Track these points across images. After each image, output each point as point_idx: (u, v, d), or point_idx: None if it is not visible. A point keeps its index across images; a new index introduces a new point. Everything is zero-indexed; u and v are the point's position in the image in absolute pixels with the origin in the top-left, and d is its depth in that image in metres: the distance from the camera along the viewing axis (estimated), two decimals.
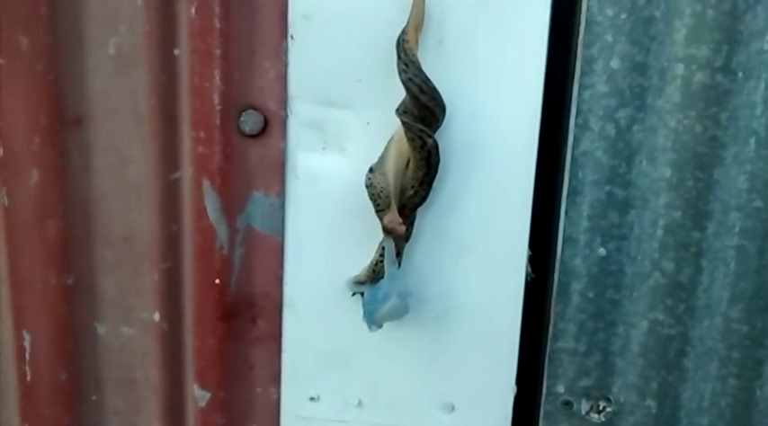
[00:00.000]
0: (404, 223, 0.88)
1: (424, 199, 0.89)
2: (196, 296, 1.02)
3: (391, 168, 0.87)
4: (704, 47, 0.88)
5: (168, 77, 0.96)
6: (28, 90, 0.97)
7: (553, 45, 0.91)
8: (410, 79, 0.84)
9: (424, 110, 0.85)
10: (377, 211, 0.89)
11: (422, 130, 0.84)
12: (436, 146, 0.86)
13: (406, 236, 0.91)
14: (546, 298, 1.00)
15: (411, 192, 0.88)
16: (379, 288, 0.92)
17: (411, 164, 0.86)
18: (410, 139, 0.85)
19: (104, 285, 1.04)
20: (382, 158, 0.89)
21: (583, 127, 0.92)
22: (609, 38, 0.89)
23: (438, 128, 0.87)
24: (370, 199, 0.89)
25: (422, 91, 0.84)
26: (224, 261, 1.00)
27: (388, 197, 0.88)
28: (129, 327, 1.06)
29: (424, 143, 0.85)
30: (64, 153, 0.99)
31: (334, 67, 0.92)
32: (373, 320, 0.92)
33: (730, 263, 0.95)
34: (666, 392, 1.00)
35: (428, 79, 0.84)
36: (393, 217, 0.88)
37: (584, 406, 1.01)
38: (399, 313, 0.93)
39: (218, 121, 0.95)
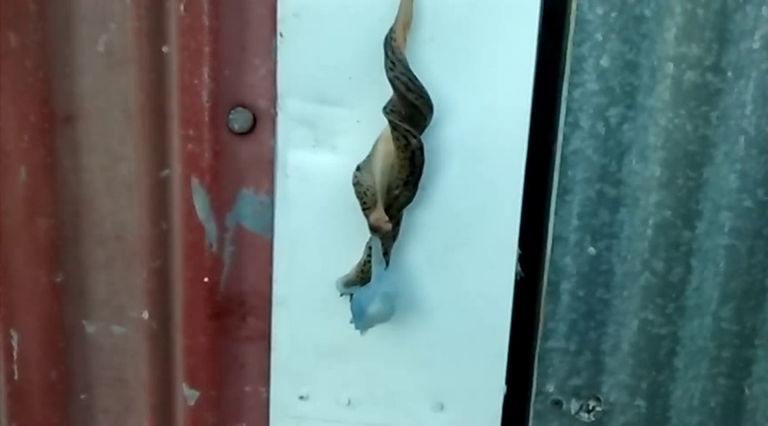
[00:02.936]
0: (390, 222, 0.88)
1: (409, 198, 0.89)
2: (186, 294, 1.01)
3: (378, 167, 0.87)
4: (694, 45, 0.88)
5: (157, 75, 0.96)
6: (17, 87, 0.96)
7: (543, 43, 0.91)
8: (397, 77, 0.84)
9: (411, 109, 0.85)
10: (363, 209, 0.89)
11: (407, 130, 0.84)
12: (421, 147, 0.85)
13: (393, 235, 0.91)
14: (536, 298, 1.00)
15: (396, 192, 0.87)
16: (365, 292, 0.92)
17: (395, 164, 0.86)
18: (395, 138, 0.85)
19: (94, 283, 1.04)
20: (370, 156, 0.88)
21: (573, 125, 0.92)
22: (599, 36, 0.89)
23: (426, 127, 0.87)
24: (357, 197, 0.88)
25: (408, 89, 0.84)
26: (213, 260, 1.00)
27: (374, 195, 0.88)
28: (118, 326, 1.05)
29: (408, 143, 0.85)
30: (53, 151, 0.99)
31: (325, 65, 0.92)
32: (360, 324, 0.92)
33: (720, 263, 0.94)
34: (656, 391, 1.00)
35: (415, 77, 0.84)
36: (379, 215, 0.88)
37: (574, 406, 1.01)
38: (385, 316, 0.92)
39: (207, 119, 0.95)
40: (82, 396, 1.09)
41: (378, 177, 0.88)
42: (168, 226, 1.01)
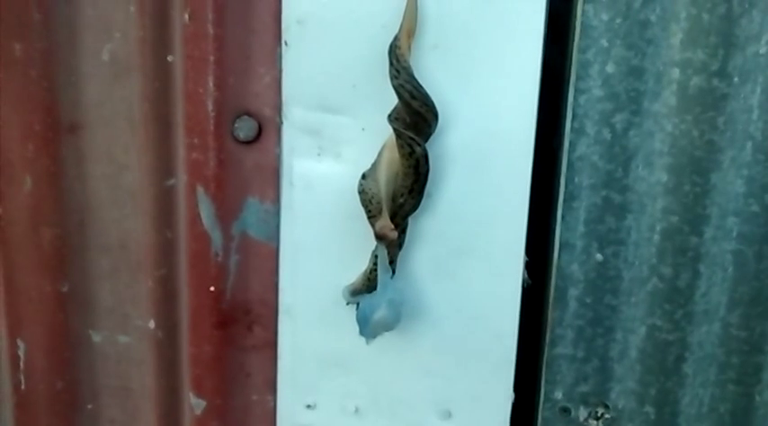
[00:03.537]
0: (396, 230, 0.88)
1: (414, 207, 0.88)
2: (191, 303, 1.01)
3: (383, 174, 0.87)
4: (700, 51, 0.87)
5: (162, 84, 0.96)
6: (22, 97, 0.97)
7: (549, 49, 0.91)
8: (401, 85, 0.83)
9: (415, 117, 0.84)
10: (369, 217, 0.88)
11: (411, 138, 0.84)
12: (425, 155, 0.85)
13: (399, 244, 0.91)
14: (543, 304, 1.00)
15: (401, 200, 0.87)
16: (370, 300, 0.92)
17: (400, 172, 0.86)
18: (400, 146, 0.85)
19: (99, 293, 1.04)
20: (375, 164, 0.88)
21: (579, 131, 0.91)
22: (604, 42, 0.89)
23: (431, 135, 0.87)
24: (362, 205, 0.88)
25: (413, 97, 0.83)
26: (219, 268, 0.99)
27: (379, 203, 0.87)
28: (124, 335, 1.05)
29: (413, 150, 0.84)
30: (58, 160, 0.99)
31: (329, 73, 0.92)
32: (366, 333, 0.92)
33: (728, 268, 0.94)
34: (665, 398, 0.99)
35: (420, 85, 0.84)
36: (384, 223, 0.87)
37: (583, 413, 1.01)
38: (391, 324, 0.92)
39: (212, 128, 0.95)
40: (88, 406, 1.09)
41: (383, 185, 0.87)
42: (173, 234, 1.01)
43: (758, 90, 0.88)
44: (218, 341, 1.02)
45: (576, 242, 0.95)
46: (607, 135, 0.91)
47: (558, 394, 1.01)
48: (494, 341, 0.98)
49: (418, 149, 0.85)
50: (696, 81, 0.88)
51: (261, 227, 0.99)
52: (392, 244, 0.90)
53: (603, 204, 0.93)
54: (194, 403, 1.04)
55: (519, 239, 0.95)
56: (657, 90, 0.89)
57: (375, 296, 0.92)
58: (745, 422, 0.99)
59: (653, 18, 0.87)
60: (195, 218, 0.98)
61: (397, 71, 0.84)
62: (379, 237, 0.89)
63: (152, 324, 1.04)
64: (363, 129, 0.92)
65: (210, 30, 0.92)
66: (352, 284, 0.95)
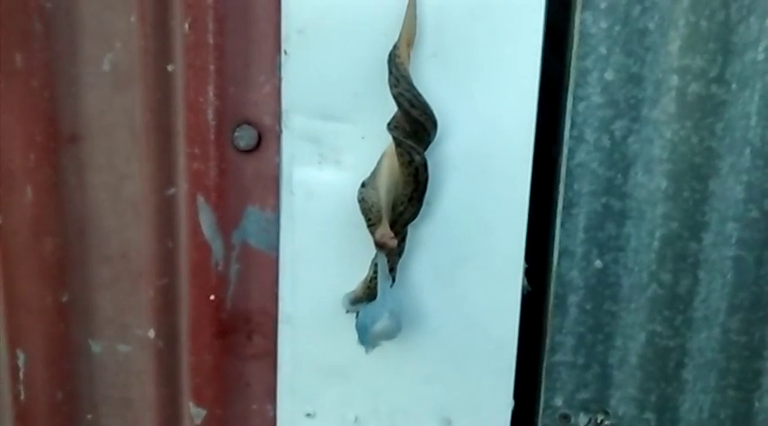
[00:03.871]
0: (396, 238, 0.88)
1: (414, 215, 0.89)
2: (192, 312, 1.01)
3: (383, 183, 0.87)
4: (699, 57, 0.88)
5: (163, 93, 0.96)
6: (23, 107, 0.97)
7: (548, 57, 0.91)
8: (401, 94, 0.84)
9: (415, 125, 0.85)
10: (369, 226, 0.88)
11: (411, 147, 0.84)
12: (424, 164, 0.85)
13: (399, 252, 0.91)
14: (543, 311, 1.00)
15: (401, 208, 0.87)
16: (370, 310, 0.92)
17: (399, 180, 0.86)
18: (399, 155, 0.85)
19: (99, 302, 1.04)
20: (374, 173, 0.88)
21: (578, 138, 0.92)
22: (603, 49, 0.89)
23: (430, 143, 0.87)
24: (362, 213, 0.88)
25: (412, 105, 0.84)
26: (219, 278, 0.99)
27: (379, 211, 0.87)
28: (124, 345, 1.05)
29: (412, 159, 0.85)
30: (59, 170, 0.99)
31: (329, 81, 0.92)
32: (366, 342, 0.92)
33: (728, 274, 0.94)
34: (665, 404, 0.99)
35: (419, 94, 0.84)
36: (384, 231, 0.87)
37: (583, 419, 1.01)
38: (391, 333, 0.92)
39: (212, 137, 0.95)
40: (88, 416, 1.08)
41: (383, 193, 0.88)
42: (174, 244, 1.01)
43: (756, 96, 0.88)
44: (219, 350, 1.02)
45: (575, 248, 0.95)
46: (606, 142, 0.92)
47: (558, 401, 1.01)
48: (493, 348, 0.98)
49: (417, 158, 0.85)
50: (695, 88, 0.89)
51: (261, 236, 0.99)
52: (392, 253, 0.90)
53: (603, 211, 0.94)
54: (194, 413, 1.04)
55: (518, 246, 0.95)
56: (656, 97, 0.90)
57: (375, 304, 0.92)
58: None
59: (651, 25, 0.88)
60: (196, 228, 0.98)
61: (397, 79, 0.84)
62: (379, 245, 0.89)
63: (152, 334, 1.04)
64: (363, 137, 0.93)
65: (211, 39, 0.92)
66: (352, 292, 0.95)
